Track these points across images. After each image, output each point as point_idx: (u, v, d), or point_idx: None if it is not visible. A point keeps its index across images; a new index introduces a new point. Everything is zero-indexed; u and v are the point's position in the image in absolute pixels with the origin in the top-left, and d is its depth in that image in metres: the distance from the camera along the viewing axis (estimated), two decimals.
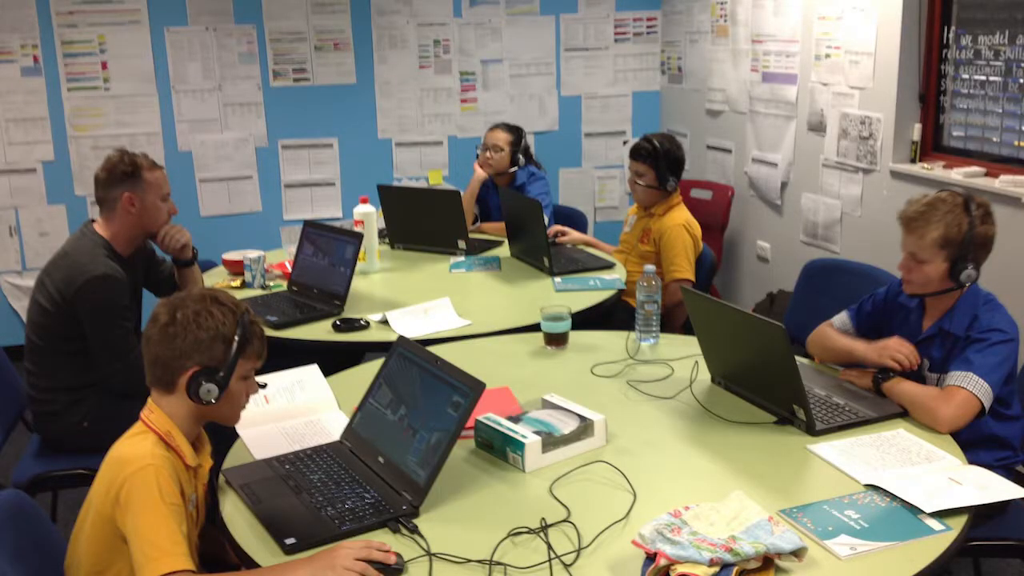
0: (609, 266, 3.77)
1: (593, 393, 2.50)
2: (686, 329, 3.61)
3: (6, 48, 5.01)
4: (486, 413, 2.20)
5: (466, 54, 5.70)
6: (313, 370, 2.59)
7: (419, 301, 3.21)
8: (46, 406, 2.88)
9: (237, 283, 3.56)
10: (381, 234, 4.06)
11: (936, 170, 3.90)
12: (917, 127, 4.05)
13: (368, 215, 3.72)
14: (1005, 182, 3.53)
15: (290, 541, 1.80)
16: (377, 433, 2.12)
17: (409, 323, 3.04)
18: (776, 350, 2.22)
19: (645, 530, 1.72)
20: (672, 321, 3.79)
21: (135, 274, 3.06)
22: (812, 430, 2.22)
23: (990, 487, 1.94)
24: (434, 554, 1.75)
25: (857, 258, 3.96)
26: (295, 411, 2.42)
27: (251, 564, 1.78)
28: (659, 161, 3.81)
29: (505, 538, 1.80)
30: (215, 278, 3.66)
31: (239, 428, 2.28)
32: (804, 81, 4.63)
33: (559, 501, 1.94)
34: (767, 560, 1.66)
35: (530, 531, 1.83)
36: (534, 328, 2.95)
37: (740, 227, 5.32)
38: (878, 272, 3.34)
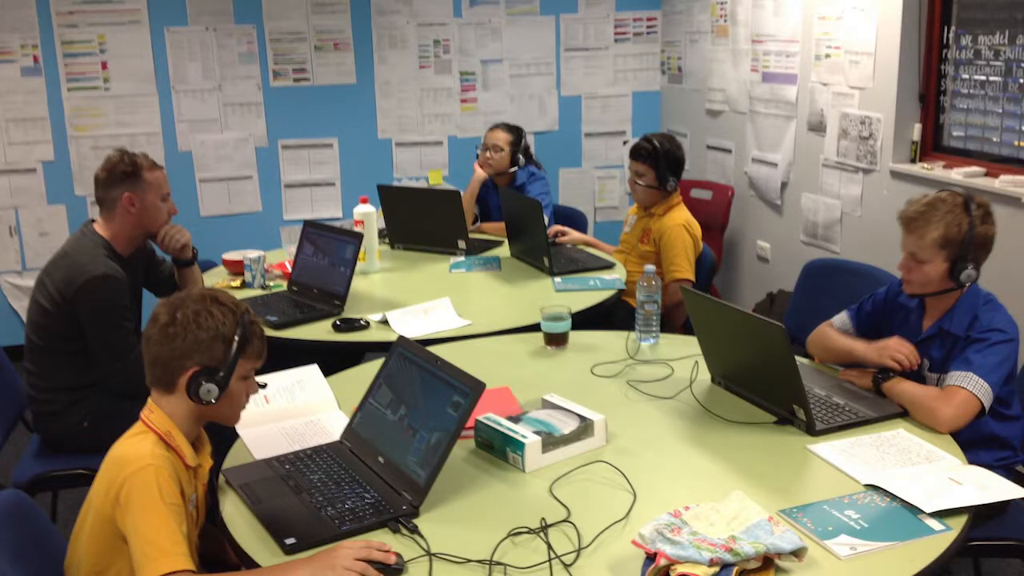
0: (609, 266, 3.77)
1: (593, 393, 2.50)
2: (686, 329, 3.61)
3: (6, 48, 5.01)
4: (486, 413, 2.20)
5: (466, 54, 5.70)
6: (313, 370, 2.59)
7: (419, 301, 3.21)
8: (46, 406, 2.88)
9: (237, 283, 3.56)
10: (381, 234, 4.06)
11: (936, 170, 3.90)
12: (917, 127, 4.05)
13: (368, 215, 3.72)
14: (1005, 182, 3.53)
15: (290, 541, 1.80)
16: (377, 433, 2.12)
17: (409, 323, 3.04)
18: (776, 350, 2.22)
19: (645, 530, 1.72)
20: (672, 321, 3.79)
21: (135, 274, 3.06)
22: (812, 430, 2.22)
23: (990, 487, 1.94)
24: (434, 554, 1.75)
25: (857, 258, 3.96)
26: (295, 411, 2.42)
27: (251, 564, 1.78)
28: (659, 161, 3.81)
29: (505, 538, 1.80)
30: (215, 278, 3.66)
31: (239, 428, 2.28)
32: (804, 81, 4.63)
33: (559, 501, 1.94)
34: (767, 560, 1.66)
35: (530, 531, 1.83)
36: (534, 328, 2.95)
37: (740, 227, 5.32)
38: (878, 272, 3.34)
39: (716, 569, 1.62)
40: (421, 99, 5.68)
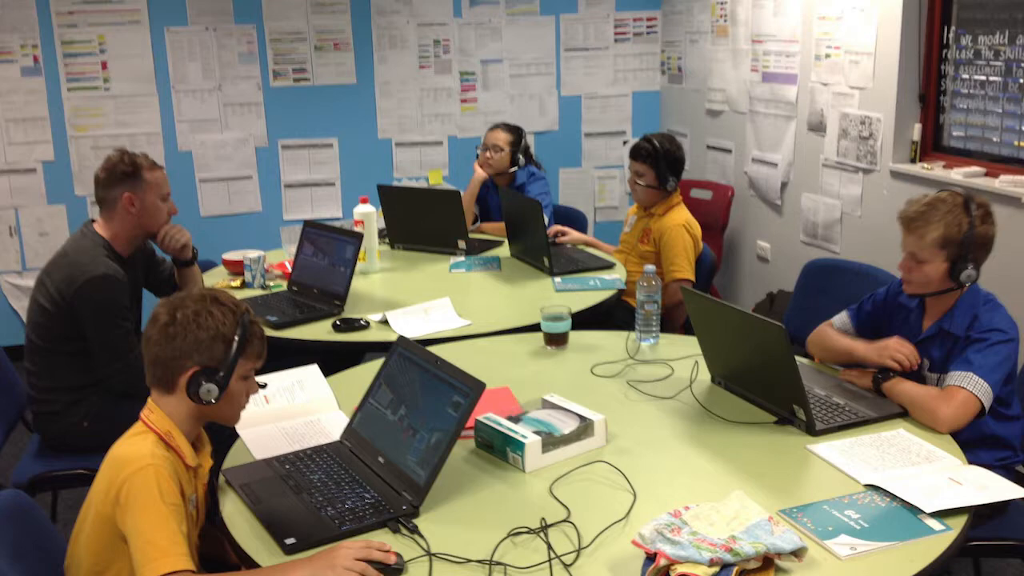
0: (609, 266, 3.77)
1: (593, 393, 2.50)
2: (686, 329, 3.61)
3: (6, 48, 5.01)
4: (486, 413, 2.20)
5: (466, 54, 5.70)
6: (313, 370, 2.59)
7: (419, 301, 3.21)
8: (46, 406, 2.88)
9: (237, 283, 3.56)
10: (381, 234, 4.06)
11: (936, 170, 3.90)
12: (917, 127, 4.05)
13: (368, 215, 3.72)
14: (1005, 182, 3.53)
15: (290, 541, 1.80)
16: (377, 433, 2.12)
17: (409, 323, 3.04)
18: (776, 350, 2.22)
19: (645, 530, 1.72)
20: (672, 321, 3.79)
21: (135, 274, 3.06)
22: (812, 430, 2.22)
23: (990, 487, 1.94)
24: (434, 554, 1.75)
25: (857, 258, 3.96)
26: (295, 411, 2.42)
27: (251, 564, 1.78)
28: (659, 161, 3.81)
29: (505, 538, 1.80)
30: (215, 278, 3.66)
31: (239, 428, 2.28)
32: (804, 81, 4.63)
33: (559, 501, 1.94)
34: (767, 560, 1.66)
35: (530, 531, 1.83)
36: (534, 328, 2.94)
37: (740, 227, 5.32)
38: (878, 272, 3.34)
39: (716, 569, 1.62)
40: (421, 99, 5.68)
